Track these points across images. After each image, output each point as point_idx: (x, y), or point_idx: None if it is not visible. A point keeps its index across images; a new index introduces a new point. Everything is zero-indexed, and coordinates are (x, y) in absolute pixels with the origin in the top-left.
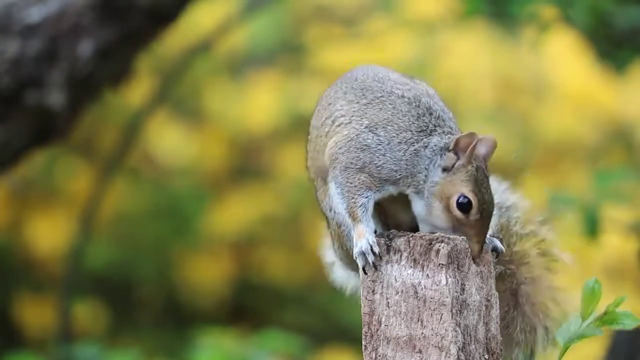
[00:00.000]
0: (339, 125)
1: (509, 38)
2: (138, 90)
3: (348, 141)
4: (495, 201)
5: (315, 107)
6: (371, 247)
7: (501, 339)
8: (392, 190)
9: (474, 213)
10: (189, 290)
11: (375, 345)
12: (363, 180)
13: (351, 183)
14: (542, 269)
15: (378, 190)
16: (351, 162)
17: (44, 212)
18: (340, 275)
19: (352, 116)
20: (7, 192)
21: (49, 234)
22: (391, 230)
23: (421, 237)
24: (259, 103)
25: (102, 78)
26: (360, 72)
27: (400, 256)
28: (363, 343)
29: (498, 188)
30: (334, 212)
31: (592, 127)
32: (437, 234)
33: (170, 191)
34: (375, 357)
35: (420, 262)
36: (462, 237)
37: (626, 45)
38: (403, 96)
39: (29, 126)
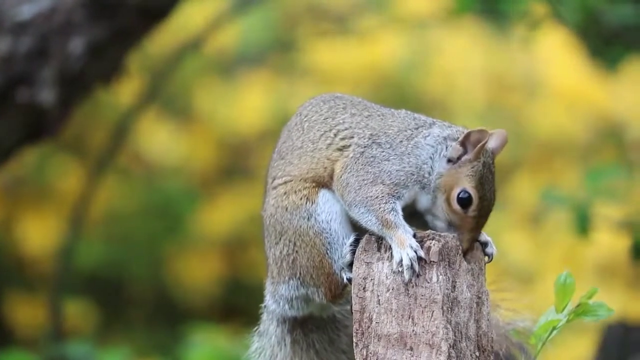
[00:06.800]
0: (342, 139)
1: (501, 36)
2: (128, 88)
3: (355, 162)
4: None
5: (295, 123)
6: (416, 253)
7: (492, 336)
8: (406, 196)
9: (473, 209)
10: (180, 288)
11: (366, 343)
12: (381, 190)
13: (371, 196)
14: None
15: (397, 197)
16: (363, 180)
17: (34, 211)
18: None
19: (355, 128)
20: None
21: (39, 233)
22: None
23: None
24: (248, 103)
25: (92, 76)
26: (351, 96)
27: (392, 253)
28: (354, 340)
29: None
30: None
31: (583, 124)
32: (428, 232)
33: (160, 190)
34: (367, 355)
35: None
36: (453, 234)
37: (617, 43)
38: (400, 110)
39: (20, 124)
